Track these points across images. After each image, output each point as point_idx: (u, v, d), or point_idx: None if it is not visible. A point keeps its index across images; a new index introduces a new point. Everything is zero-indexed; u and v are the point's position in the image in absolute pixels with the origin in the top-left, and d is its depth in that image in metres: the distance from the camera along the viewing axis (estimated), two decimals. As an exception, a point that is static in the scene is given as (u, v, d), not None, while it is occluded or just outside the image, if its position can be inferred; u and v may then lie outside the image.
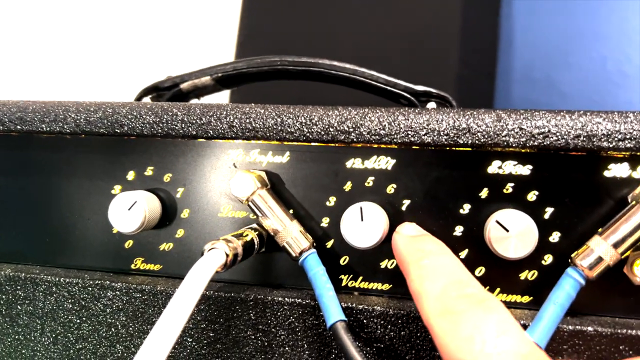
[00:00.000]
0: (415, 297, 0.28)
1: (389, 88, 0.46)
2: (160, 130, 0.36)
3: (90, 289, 0.37)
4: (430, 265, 0.29)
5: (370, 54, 0.96)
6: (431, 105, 0.46)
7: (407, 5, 1.00)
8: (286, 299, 0.34)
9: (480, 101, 1.06)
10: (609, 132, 0.31)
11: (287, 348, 0.34)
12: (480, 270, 0.34)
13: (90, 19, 1.07)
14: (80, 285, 0.37)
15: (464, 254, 0.34)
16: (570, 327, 0.31)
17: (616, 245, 0.30)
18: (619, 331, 0.30)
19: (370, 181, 0.35)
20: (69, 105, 0.38)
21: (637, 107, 1.05)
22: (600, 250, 0.31)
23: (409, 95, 0.46)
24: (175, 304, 0.26)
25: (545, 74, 1.13)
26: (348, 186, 0.36)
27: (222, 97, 0.98)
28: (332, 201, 0.36)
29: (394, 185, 0.35)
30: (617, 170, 0.32)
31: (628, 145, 0.31)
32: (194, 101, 0.53)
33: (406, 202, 0.35)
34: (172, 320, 0.25)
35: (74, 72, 1.05)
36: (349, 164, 0.36)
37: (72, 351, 0.37)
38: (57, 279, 0.37)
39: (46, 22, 1.05)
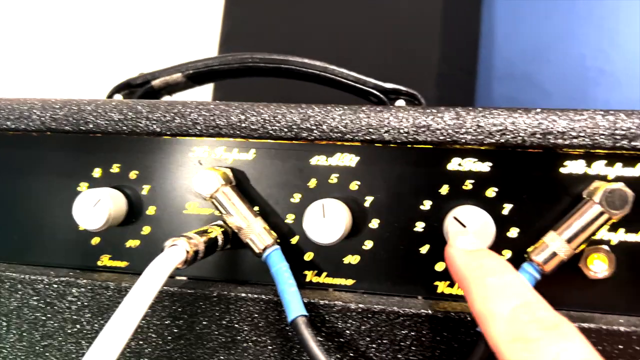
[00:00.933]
0: (480, 319, 0.26)
1: (358, 85, 0.46)
2: (125, 128, 0.36)
3: (55, 286, 0.37)
4: (496, 284, 0.27)
5: (352, 51, 0.97)
6: (400, 102, 0.47)
7: (389, 3, 1.00)
8: (249, 294, 0.35)
9: (462, 99, 1.07)
10: (564, 130, 0.32)
11: (250, 343, 0.35)
12: (441, 266, 0.35)
13: (75, 16, 1.06)
14: (45, 282, 0.37)
15: (425, 249, 0.35)
16: (526, 320, 0.32)
17: (570, 241, 0.31)
18: (573, 324, 0.31)
19: (334, 178, 0.36)
20: (35, 103, 0.38)
21: (615, 104, 1.06)
22: (554, 245, 0.31)
23: (378, 93, 0.46)
24: (130, 299, 0.26)
25: (525, 72, 1.14)
26: (313, 183, 0.36)
27: (206, 94, 0.98)
28: (297, 198, 0.36)
29: (358, 182, 0.35)
30: (573, 167, 0.33)
31: (582, 142, 0.31)
32: (165, 98, 0.53)
33: (369, 199, 0.35)
34: (127, 316, 0.26)
35: (67, 71, 1.04)
36: (313, 161, 0.36)
37: (37, 348, 0.37)
38: (23, 276, 0.37)
39: (24, 19, 1.04)
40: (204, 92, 0.98)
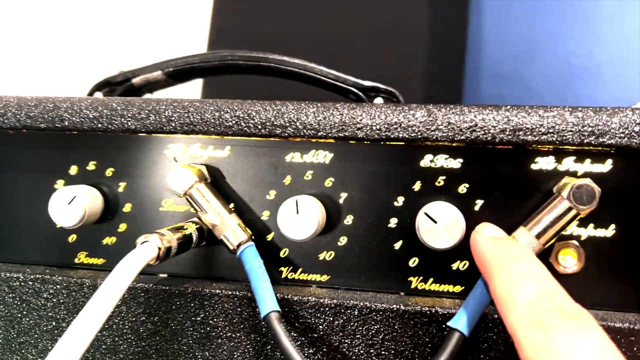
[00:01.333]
0: (501, 303, 0.26)
1: (337, 83, 0.47)
2: (100, 125, 0.36)
3: (31, 283, 0.37)
4: (519, 270, 0.27)
5: (339, 49, 0.97)
6: (379, 100, 0.47)
7: (376, 1, 1.00)
8: (224, 291, 0.35)
9: (449, 97, 1.07)
10: (533, 127, 0.32)
11: (224, 339, 0.35)
12: (414, 261, 0.35)
13: (63, 12, 1.06)
14: (21, 279, 0.37)
15: (398, 245, 0.35)
16: (495, 315, 0.32)
17: (539, 236, 0.31)
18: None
19: (309, 175, 0.36)
20: (10, 101, 0.38)
21: (600, 101, 1.07)
22: (524, 240, 0.32)
23: (357, 91, 0.46)
24: (100, 295, 0.27)
25: (512, 70, 1.14)
26: (288, 180, 0.36)
27: (195, 91, 0.98)
28: (272, 195, 0.37)
29: (332, 179, 0.36)
30: (544, 163, 0.33)
31: (551, 138, 0.32)
32: (147, 96, 0.53)
33: (344, 195, 0.36)
34: (95, 312, 0.26)
35: (57, 69, 1.04)
36: (288, 158, 0.36)
37: (13, 345, 0.37)
38: (-2, 274, 0.37)
39: (3, 16, 1.04)
40: (193, 89, 0.98)
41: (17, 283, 0.37)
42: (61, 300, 0.37)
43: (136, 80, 0.50)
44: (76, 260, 0.39)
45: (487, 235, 0.31)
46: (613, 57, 1.05)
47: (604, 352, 0.23)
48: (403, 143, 0.34)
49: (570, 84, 1.09)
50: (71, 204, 0.36)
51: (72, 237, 0.39)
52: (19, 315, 0.37)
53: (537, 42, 1.11)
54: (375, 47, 0.98)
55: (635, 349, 0.31)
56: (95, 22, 1.07)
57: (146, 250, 0.30)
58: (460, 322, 0.31)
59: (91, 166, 0.38)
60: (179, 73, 0.50)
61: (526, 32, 1.12)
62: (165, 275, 0.38)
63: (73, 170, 0.38)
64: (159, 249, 0.31)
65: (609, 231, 0.33)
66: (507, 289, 0.26)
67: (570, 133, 0.32)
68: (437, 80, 1.02)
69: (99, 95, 0.51)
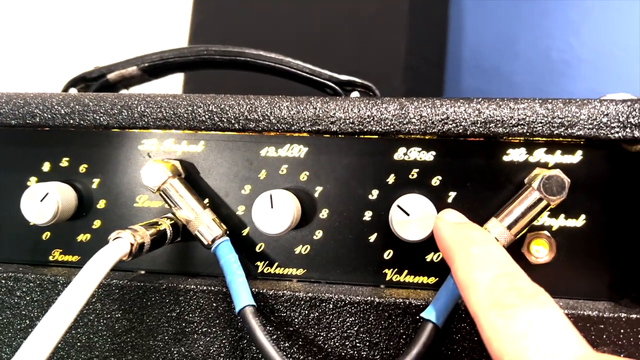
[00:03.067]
0: (462, 287, 0.27)
1: (314, 77, 0.47)
2: (72, 121, 0.36)
3: (3, 281, 0.36)
4: (479, 254, 0.27)
5: (320, 43, 0.97)
6: (355, 94, 0.47)
7: (356, -5, 1.00)
8: (199, 286, 0.35)
9: (430, 91, 1.08)
10: (504, 119, 0.32)
11: (200, 334, 0.35)
12: (388, 254, 0.35)
13: (48, 6, 1.05)
14: (-7, 278, 0.37)
15: (373, 237, 0.35)
16: (469, 305, 0.32)
17: (510, 227, 0.32)
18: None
19: (284, 169, 0.36)
20: (-21, 97, 0.37)
21: (580, 95, 1.08)
22: (495, 232, 0.32)
23: (333, 85, 0.46)
24: (71, 290, 0.26)
25: (493, 64, 1.15)
26: (263, 174, 0.36)
27: (176, 87, 0.97)
28: (247, 189, 0.36)
29: (307, 173, 0.36)
30: (515, 155, 0.34)
31: (522, 130, 0.32)
32: (122, 92, 0.52)
33: (319, 189, 0.36)
34: (66, 307, 0.26)
35: (43, 65, 1.02)
36: (263, 152, 0.36)
37: (-14, 344, 0.37)
38: (-30, 272, 0.37)
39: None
40: (174, 86, 0.97)
41: (-10, 281, 0.37)
42: (35, 298, 0.36)
43: (111, 76, 0.49)
44: (50, 258, 0.38)
45: (448, 221, 0.31)
46: (593, 51, 1.06)
47: (560, 328, 0.23)
48: (377, 136, 0.34)
49: (550, 77, 1.10)
50: (44, 201, 0.35)
51: (46, 235, 0.38)
52: (-8, 314, 0.37)
53: (518, 36, 1.12)
54: (356, 41, 0.98)
55: (604, 336, 0.31)
56: (73, 17, 1.06)
57: (118, 246, 0.30)
58: (433, 313, 0.31)
59: (64, 163, 0.38)
60: (154, 68, 0.49)
61: (507, 26, 1.13)
62: (142, 272, 0.37)
63: (46, 167, 0.38)
64: (132, 245, 0.31)
65: (580, 221, 0.33)
66: (467, 273, 0.27)
67: (540, 125, 0.32)
68: (418, 74, 1.02)
69: (73, 91, 0.51)
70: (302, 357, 0.34)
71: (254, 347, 0.35)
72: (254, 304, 0.32)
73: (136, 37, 1.07)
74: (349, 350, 0.34)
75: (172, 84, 0.96)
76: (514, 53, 1.13)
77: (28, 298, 0.36)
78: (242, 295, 0.32)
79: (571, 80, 1.09)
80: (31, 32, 1.04)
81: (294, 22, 0.98)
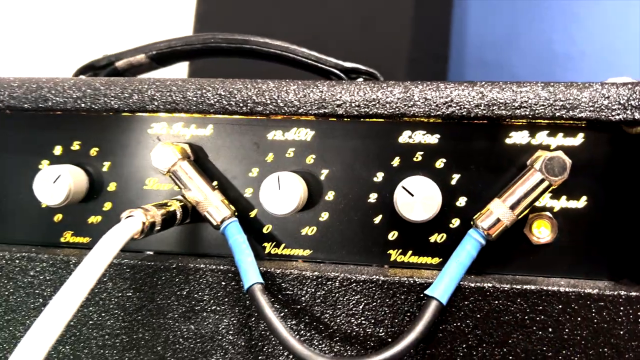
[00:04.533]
0: None
1: (319, 65, 0.47)
2: (83, 105, 0.37)
3: (17, 261, 0.37)
4: None
5: (324, 35, 0.97)
6: (359, 81, 0.47)
7: (361, -12, 1.00)
8: (208, 265, 0.36)
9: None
10: (507, 101, 0.33)
11: (209, 312, 0.36)
12: (393, 235, 0.36)
13: None
14: (7, 257, 0.37)
15: (378, 219, 0.36)
16: (472, 284, 0.33)
17: (513, 207, 0.32)
18: (515, 287, 0.33)
19: (290, 152, 0.37)
20: (-7, 81, 0.38)
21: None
22: (498, 212, 0.33)
23: (338, 72, 0.47)
24: (84, 266, 0.27)
25: (496, 57, 1.15)
26: (270, 157, 0.37)
27: (182, 75, 0.98)
28: (254, 172, 0.37)
29: (314, 156, 0.37)
30: (518, 138, 0.34)
31: (524, 113, 0.33)
32: (130, 80, 0.53)
33: (325, 172, 0.36)
34: (79, 283, 0.26)
35: (48, 53, 1.03)
36: (270, 135, 0.37)
37: (1, 322, 0.38)
38: (-16, 253, 0.38)
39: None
40: (179, 75, 0.98)
41: (4, 262, 0.37)
42: (48, 278, 0.37)
43: (120, 64, 0.50)
44: (62, 239, 0.39)
45: None
46: (595, 44, 1.06)
47: None
48: (382, 120, 0.35)
49: (553, 70, 1.10)
50: (56, 183, 0.36)
51: (58, 217, 0.39)
52: (6, 293, 0.38)
53: (521, 29, 1.12)
54: (360, 34, 0.98)
55: (604, 313, 0.32)
56: (78, 7, 1.07)
57: (131, 224, 0.31)
58: (437, 291, 0.32)
59: (75, 146, 0.39)
60: (162, 56, 0.50)
61: (510, 19, 1.13)
62: (151, 253, 0.38)
63: (58, 150, 0.39)
64: (143, 223, 0.32)
65: (581, 202, 0.34)
66: None
67: (542, 107, 0.33)
68: (422, 67, 1.02)
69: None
70: (308, 334, 0.35)
71: (261, 325, 0.35)
72: (262, 281, 0.33)
73: (141, 26, 1.07)
74: (354, 327, 0.34)
75: (178, 74, 0.97)
76: (517, 46, 1.13)
77: (41, 277, 0.37)
78: (250, 274, 0.33)
79: (574, 74, 1.09)
80: (36, 23, 1.05)
81: (298, 15, 0.99)
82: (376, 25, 0.98)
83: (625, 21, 1.02)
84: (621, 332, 0.32)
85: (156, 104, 0.36)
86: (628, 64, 1.00)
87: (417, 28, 0.99)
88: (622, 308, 0.32)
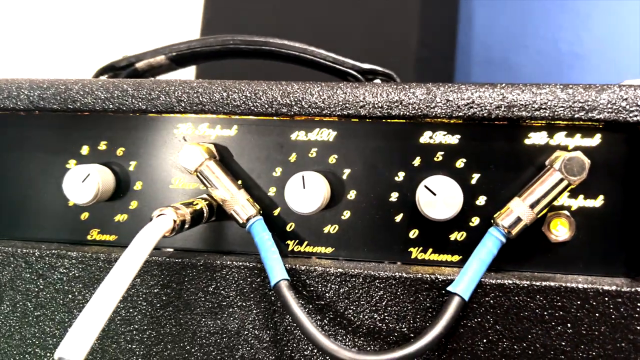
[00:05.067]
0: None
1: (336, 66, 0.48)
2: (111, 106, 0.38)
3: (47, 258, 0.38)
4: None
5: (332, 35, 0.98)
6: (376, 82, 0.48)
7: (368, -13, 1.01)
8: (234, 262, 0.37)
9: (440, 82, 1.09)
10: (527, 103, 0.34)
11: (235, 308, 0.37)
12: (414, 233, 0.37)
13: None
14: (37, 255, 0.38)
15: (399, 217, 0.37)
16: (492, 281, 0.34)
17: (533, 206, 0.33)
18: (535, 283, 0.34)
19: (313, 152, 0.38)
20: (22, 83, 0.39)
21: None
22: (519, 210, 0.34)
23: (355, 73, 0.48)
24: (121, 264, 0.28)
25: (503, 56, 1.16)
26: (293, 157, 0.38)
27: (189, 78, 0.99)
28: (278, 172, 0.38)
29: (336, 156, 0.37)
30: (537, 138, 0.35)
31: (544, 114, 0.34)
32: (150, 80, 0.54)
33: (347, 171, 0.37)
34: (118, 279, 0.27)
35: (51, 55, 1.04)
36: (293, 136, 0.38)
37: (31, 318, 0.39)
38: (15, 250, 0.39)
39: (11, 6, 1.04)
40: (187, 75, 0.99)
41: (34, 259, 0.38)
42: (76, 275, 0.38)
43: (140, 65, 0.51)
44: (89, 237, 0.40)
45: None
46: (602, 42, 1.07)
47: None
48: (404, 120, 0.36)
49: (560, 69, 1.11)
50: (85, 182, 0.37)
51: (85, 215, 0.40)
52: (36, 289, 0.39)
53: (527, 28, 1.13)
54: (368, 33, 0.99)
55: (622, 309, 0.33)
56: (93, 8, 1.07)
57: (163, 222, 0.32)
58: (459, 287, 0.33)
59: (102, 146, 0.40)
60: (181, 57, 0.51)
61: (516, 18, 1.14)
62: (171, 250, 0.39)
63: (85, 150, 0.40)
64: (174, 221, 0.33)
65: (598, 201, 0.35)
66: None
67: (561, 109, 0.33)
68: (429, 66, 1.03)
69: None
70: (333, 329, 0.36)
71: (286, 320, 0.36)
72: (288, 278, 0.34)
73: (148, 28, 1.08)
74: (377, 322, 0.35)
75: (184, 75, 0.98)
76: (523, 45, 1.14)
77: (70, 274, 0.38)
78: (276, 270, 0.34)
79: (580, 72, 1.10)
80: (52, 25, 1.06)
81: (305, 15, 0.99)
82: (383, 25, 0.99)
83: (631, 20, 1.02)
84: (639, 328, 0.33)
85: (183, 105, 0.37)
86: (635, 63, 1.01)
87: (423, 28, 1.00)
88: (639, 304, 0.33)
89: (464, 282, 0.33)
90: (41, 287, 0.38)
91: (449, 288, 0.33)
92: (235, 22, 1.00)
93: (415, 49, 1.00)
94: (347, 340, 0.36)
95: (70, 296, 0.38)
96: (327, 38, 0.97)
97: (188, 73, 0.98)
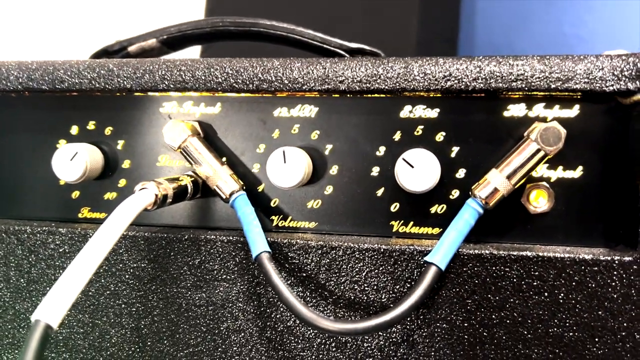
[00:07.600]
0: None
1: (324, 45, 0.49)
2: (97, 85, 0.39)
3: (38, 235, 0.39)
4: None
5: (333, 19, 0.98)
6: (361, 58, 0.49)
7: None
8: (219, 237, 0.37)
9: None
10: (504, 74, 0.34)
11: (220, 281, 0.38)
12: (395, 206, 0.37)
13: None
14: (29, 232, 0.39)
15: (380, 192, 0.37)
16: (470, 251, 0.34)
17: (509, 177, 0.34)
18: (512, 253, 0.34)
19: (296, 128, 0.38)
20: (11, 65, 0.40)
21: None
22: (495, 181, 0.34)
23: (343, 52, 0.48)
24: (101, 232, 0.29)
25: (506, 40, 1.15)
26: (276, 134, 0.38)
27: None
28: (261, 148, 0.39)
29: (318, 132, 0.38)
30: (515, 110, 0.35)
31: (521, 85, 0.34)
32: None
33: (329, 147, 0.38)
34: (96, 247, 0.28)
35: (55, 37, 1.06)
36: (276, 113, 0.38)
37: (24, 293, 0.40)
38: (7, 227, 0.40)
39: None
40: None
41: (25, 235, 0.40)
42: (67, 250, 0.39)
43: (132, 49, 0.52)
44: (79, 215, 0.41)
45: None
46: (606, 26, 1.06)
47: None
48: (383, 95, 0.36)
49: (562, 52, 1.10)
50: (73, 160, 0.38)
51: (75, 194, 0.41)
52: (28, 265, 0.40)
53: (531, 11, 1.12)
54: (369, 18, 0.99)
55: (599, 277, 0.33)
56: None
57: (144, 195, 0.33)
58: (436, 257, 0.33)
59: (91, 126, 0.40)
60: (173, 40, 0.51)
61: (520, 2, 1.13)
62: (166, 226, 0.40)
63: (74, 130, 0.41)
64: (156, 195, 0.33)
65: (577, 172, 0.35)
66: None
67: (538, 79, 0.34)
68: (431, 50, 1.03)
69: (96, 63, 0.53)
70: (314, 299, 0.36)
71: (269, 292, 0.37)
72: (270, 250, 0.34)
73: (153, 13, 1.09)
74: (357, 293, 0.36)
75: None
76: (526, 28, 1.13)
77: (61, 250, 0.39)
78: (258, 243, 0.35)
79: (584, 55, 1.08)
80: (49, 7, 1.07)
81: (307, 1, 0.99)
82: (384, 9, 0.99)
83: (635, 1, 1.01)
84: (615, 296, 0.33)
85: (167, 83, 0.38)
86: (639, 45, 1.00)
87: (426, 11, 1.00)
88: (615, 272, 0.33)
89: (441, 252, 0.33)
90: (33, 262, 0.40)
91: (426, 258, 0.33)
92: (237, 9, 1.01)
93: (417, 32, 0.99)
94: (328, 310, 0.36)
95: (61, 271, 0.39)
96: (327, 22, 0.97)
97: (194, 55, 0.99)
